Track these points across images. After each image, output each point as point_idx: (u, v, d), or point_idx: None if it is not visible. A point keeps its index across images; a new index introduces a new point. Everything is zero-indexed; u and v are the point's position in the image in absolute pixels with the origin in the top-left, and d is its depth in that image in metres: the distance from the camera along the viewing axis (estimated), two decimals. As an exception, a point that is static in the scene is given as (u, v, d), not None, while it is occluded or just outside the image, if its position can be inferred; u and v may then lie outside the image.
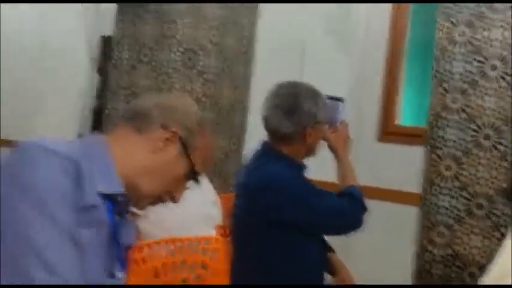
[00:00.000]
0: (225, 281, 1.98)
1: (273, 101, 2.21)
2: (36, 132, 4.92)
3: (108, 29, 3.61)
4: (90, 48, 3.39)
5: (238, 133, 3.56)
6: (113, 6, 3.54)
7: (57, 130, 4.30)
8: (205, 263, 1.94)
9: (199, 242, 1.94)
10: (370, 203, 2.28)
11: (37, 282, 1.09)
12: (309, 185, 2.18)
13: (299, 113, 2.17)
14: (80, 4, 3.25)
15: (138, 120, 1.33)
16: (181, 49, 3.33)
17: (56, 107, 4.55)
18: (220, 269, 1.98)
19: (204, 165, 1.43)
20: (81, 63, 3.82)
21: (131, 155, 1.30)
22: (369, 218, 2.26)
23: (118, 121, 1.38)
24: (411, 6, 4.38)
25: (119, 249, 1.31)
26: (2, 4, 5.04)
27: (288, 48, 4.59)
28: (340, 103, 2.35)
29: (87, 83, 3.52)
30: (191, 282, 1.89)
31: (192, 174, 1.37)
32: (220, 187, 3.17)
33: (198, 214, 2.56)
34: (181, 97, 1.48)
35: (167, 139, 1.32)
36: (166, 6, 3.34)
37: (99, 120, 3.63)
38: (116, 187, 1.27)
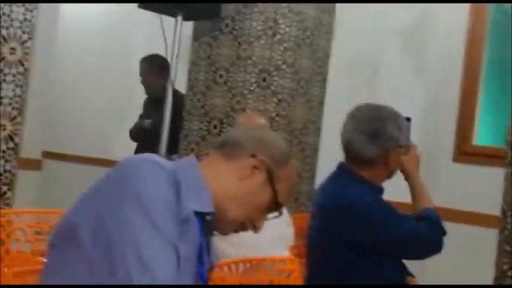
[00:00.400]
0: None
1: (354, 124, 2.19)
2: (116, 150, 5.07)
3: (186, 51, 3.70)
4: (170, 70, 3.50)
5: (311, 153, 3.57)
6: (190, 28, 3.63)
7: (133, 146, 4.43)
8: (281, 284, 1.95)
9: (275, 263, 1.96)
10: (446, 225, 2.24)
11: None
12: (389, 208, 2.16)
13: (383, 137, 2.15)
14: (160, 27, 3.35)
15: (228, 148, 1.40)
16: (256, 70, 3.38)
17: (133, 124, 4.68)
18: (295, 290, 1.98)
19: (287, 198, 1.45)
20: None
21: (219, 180, 1.36)
22: (446, 241, 2.21)
23: (211, 148, 1.45)
24: (489, 24, 4.28)
25: (202, 268, 1.35)
26: (86, 29, 5.24)
27: (362, 68, 4.57)
28: (410, 123, 2.33)
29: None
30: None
31: (275, 205, 1.39)
32: (293, 207, 3.18)
33: (272, 234, 2.58)
34: (271, 131, 1.52)
35: (254, 167, 1.37)
36: (242, 27, 3.40)
37: (174, 140, 3.80)
38: (207, 206, 1.32)
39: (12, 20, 2.45)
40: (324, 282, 2.21)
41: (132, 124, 4.48)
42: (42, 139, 4.69)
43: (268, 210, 1.42)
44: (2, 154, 2.45)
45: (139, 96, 4.59)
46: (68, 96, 5.70)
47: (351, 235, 2.12)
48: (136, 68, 4.41)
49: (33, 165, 4.45)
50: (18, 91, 2.49)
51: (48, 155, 5.21)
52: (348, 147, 2.23)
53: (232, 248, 2.33)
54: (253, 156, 1.38)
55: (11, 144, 2.48)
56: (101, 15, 5.53)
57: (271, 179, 1.38)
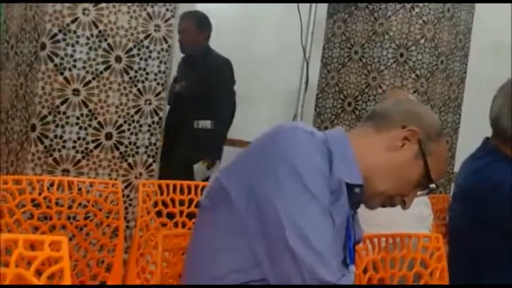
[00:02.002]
0: (444, 281, 1.91)
1: (506, 98, 2.05)
2: (247, 132, 5.14)
3: (321, 29, 3.66)
4: (303, 48, 3.48)
5: (451, 132, 3.42)
6: (325, 5, 3.59)
7: (266, 126, 4.46)
8: (425, 261, 1.88)
9: (419, 239, 1.89)
10: None
11: (297, 256, 1.13)
12: None
13: None
14: (296, 6, 3.33)
15: (378, 120, 1.36)
16: (393, 45, 3.29)
17: (267, 105, 4.73)
18: (440, 268, 1.90)
19: (439, 175, 1.39)
20: (293, 63, 3.93)
21: (369, 152, 1.32)
22: None
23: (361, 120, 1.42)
24: None
25: (350, 241, 1.32)
26: (220, 11, 5.34)
27: (505, 43, 4.31)
28: None
29: (299, 83, 3.60)
30: (410, 281, 1.85)
31: (426, 181, 1.34)
32: (432, 187, 3.07)
33: (410, 213, 2.50)
34: (423, 105, 1.46)
35: (405, 138, 1.32)
36: (378, 1, 3.32)
37: (207, 105, 3.56)
38: (357, 178, 1.29)
39: (156, -1, 2.55)
40: (466, 266, 2.10)
41: (259, 106, 4.44)
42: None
43: (419, 186, 1.36)
44: (147, 128, 2.56)
45: (271, 77, 4.62)
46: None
47: (494, 218, 1.99)
48: (269, 48, 4.42)
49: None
50: (162, 67, 2.58)
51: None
52: (496, 123, 2.08)
53: (366, 224, 2.29)
54: (404, 127, 1.33)
55: (155, 118, 2.58)
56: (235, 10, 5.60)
57: (423, 152, 1.32)
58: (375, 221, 2.30)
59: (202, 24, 3.71)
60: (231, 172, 1.26)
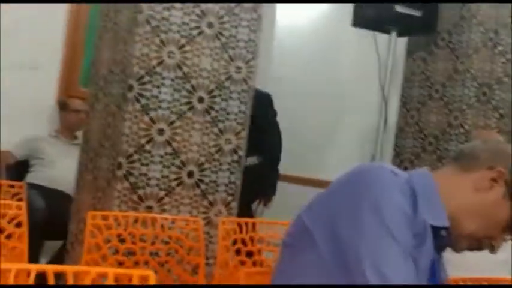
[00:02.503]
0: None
1: None
2: (326, 171, 5.13)
3: (399, 67, 3.64)
4: (381, 87, 3.47)
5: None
6: (404, 44, 3.58)
7: (343, 166, 4.42)
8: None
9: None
10: None
11: None
12: None
13: None
14: (373, 44, 3.34)
15: (465, 160, 1.34)
16: (475, 84, 3.23)
17: (344, 144, 4.69)
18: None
19: None
20: (372, 100, 3.91)
21: (455, 193, 1.30)
22: None
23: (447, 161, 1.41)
24: None
25: (435, 284, 1.29)
26: (297, 49, 5.41)
27: None
28: None
29: (377, 121, 3.58)
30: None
31: None
32: None
33: (498, 259, 2.41)
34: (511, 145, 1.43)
35: (492, 179, 1.30)
36: (459, 40, 3.28)
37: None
38: (443, 221, 1.27)
39: (238, 41, 2.62)
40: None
41: (336, 145, 4.38)
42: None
43: (507, 229, 1.32)
44: (227, 166, 2.61)
45: (349, 116, 4.60)
46: (279, 116, 5.87)
47: None
48: (347, 87, 4.41)
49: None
50: (242, 107, 2.64)
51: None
52: None
53: (453, 267, 2.22)
54: (490, 168, 1.31)
55: (235, 157, 2.63)
56: (313, 33, 5.65)
57: (511, 194, 1.29)
58: (463, 264, 2.23)
59: None
60: (313, 211, 1.27)
